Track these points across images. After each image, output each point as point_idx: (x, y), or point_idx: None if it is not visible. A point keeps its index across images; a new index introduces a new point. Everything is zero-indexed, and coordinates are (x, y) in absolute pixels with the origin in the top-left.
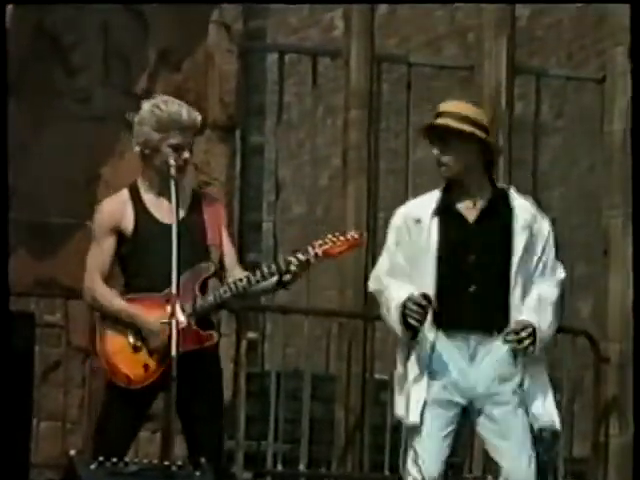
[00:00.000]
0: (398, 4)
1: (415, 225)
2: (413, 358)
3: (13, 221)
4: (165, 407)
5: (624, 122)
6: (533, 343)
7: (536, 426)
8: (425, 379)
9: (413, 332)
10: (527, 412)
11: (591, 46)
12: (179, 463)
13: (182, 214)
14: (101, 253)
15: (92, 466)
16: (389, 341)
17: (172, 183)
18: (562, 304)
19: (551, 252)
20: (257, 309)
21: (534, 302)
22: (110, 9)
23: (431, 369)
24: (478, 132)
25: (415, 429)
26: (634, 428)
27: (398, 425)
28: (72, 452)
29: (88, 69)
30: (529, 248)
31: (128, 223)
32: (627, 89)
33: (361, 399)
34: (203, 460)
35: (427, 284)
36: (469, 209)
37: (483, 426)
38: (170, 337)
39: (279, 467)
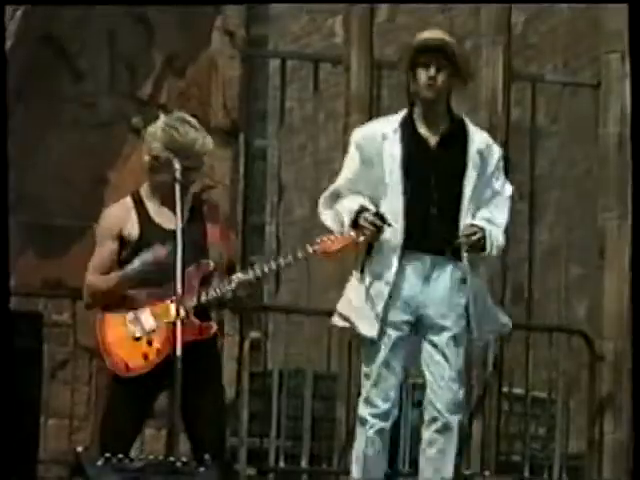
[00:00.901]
0: (397, 6)
1: (382, 140)
2: (370, 274)
3: (21, 223)
4: (169, 404)
5: (618, 126)
6: (483, 247)
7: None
8: (385, 297)
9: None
10: (470, 333)
11: (586, 52)
12: (184, 459)
13: (185, 218)
14: (102, 256)
15: (99, 462)
16: None
17: (177, 187)
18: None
19: (500, 177)
20: (260, 309)
21: (485, 216)
22: (116, 16)
23: (390, 287)
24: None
25: (372, 352)
26: (633, 426)
27: (397, 421)
28: (79, 448)
29: (94, 75)
30: (481, 176)
31: (132, 230)
32: (621, 94)
33: None
34: (207, 456)
35: (394, 201)
36: (430, 133)
37: (424, 347)
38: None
39: (281, 463)
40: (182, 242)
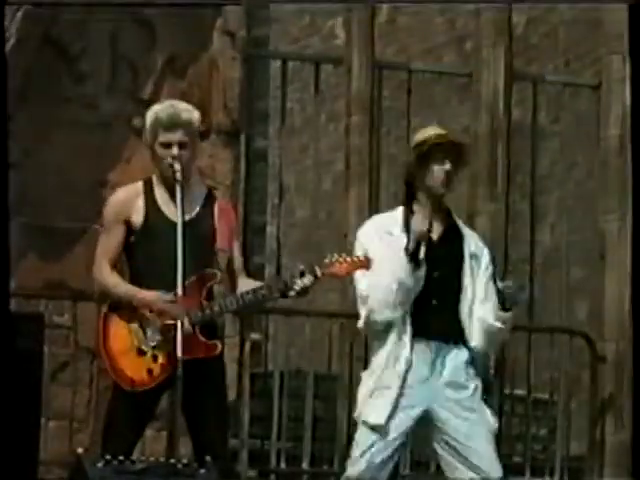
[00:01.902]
0: (397, 7)
1: (387, 236)
2: (385, 360)
3: (22, 225)
4: (170, 406)
5: (619, 127)
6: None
7: None
8: (397, 383)
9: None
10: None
11: (587, 53)
12: (184, 461)
13: (193, 213)
14: (109, 241)
15: (99, 464)
16: None
17: (177, 188)
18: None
19: (490, 284)
20: (260, 311)
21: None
22: (117, 17)
23: (402, 374)
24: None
25: (375, 430)
26: (633, 427)
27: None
28: (80, 450)
29: (95, 76)
30: (475, 277)
31: (138, 215)
32: (622, 95)
33: None
34: (208, 458)
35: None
36: (431, 228)
37: (439, 432)
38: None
39: (283, 465)
40: (187, 238)
